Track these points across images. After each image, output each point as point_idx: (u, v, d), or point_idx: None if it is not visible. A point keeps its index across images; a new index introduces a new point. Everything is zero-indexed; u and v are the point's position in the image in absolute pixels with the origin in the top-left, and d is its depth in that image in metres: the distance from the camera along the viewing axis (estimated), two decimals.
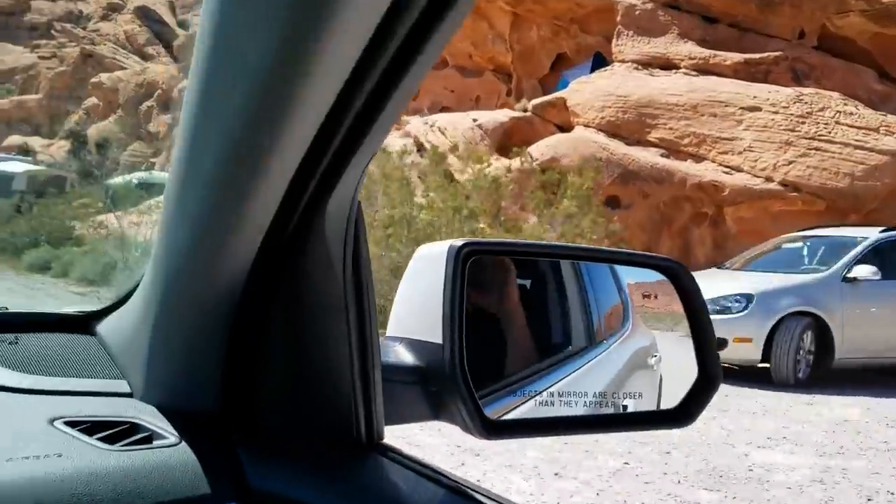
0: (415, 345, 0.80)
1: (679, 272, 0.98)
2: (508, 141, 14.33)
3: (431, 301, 0.78)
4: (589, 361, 0.99)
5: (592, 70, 14.96)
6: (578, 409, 0.93)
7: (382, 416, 0.74)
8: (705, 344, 0.95)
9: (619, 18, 14.57)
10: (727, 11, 13.69)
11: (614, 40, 14.48)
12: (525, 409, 0.86)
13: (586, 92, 13.57)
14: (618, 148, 12.04)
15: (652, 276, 1.01)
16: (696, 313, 0.96)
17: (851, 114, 11.06)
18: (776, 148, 11.10)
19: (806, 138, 11.01)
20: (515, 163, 12.22)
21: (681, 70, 13.29)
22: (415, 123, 16.07)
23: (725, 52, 13.22)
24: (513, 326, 0.94)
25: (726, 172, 11.32)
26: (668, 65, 13.55)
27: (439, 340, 0.76)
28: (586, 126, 13.17)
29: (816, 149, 10.86)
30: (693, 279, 0.98)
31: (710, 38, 13.82)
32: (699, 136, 11.87)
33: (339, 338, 0.70)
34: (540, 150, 12.42)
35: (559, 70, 17.26)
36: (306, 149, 0.58)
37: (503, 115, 14.62)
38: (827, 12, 12.19)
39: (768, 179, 10.99)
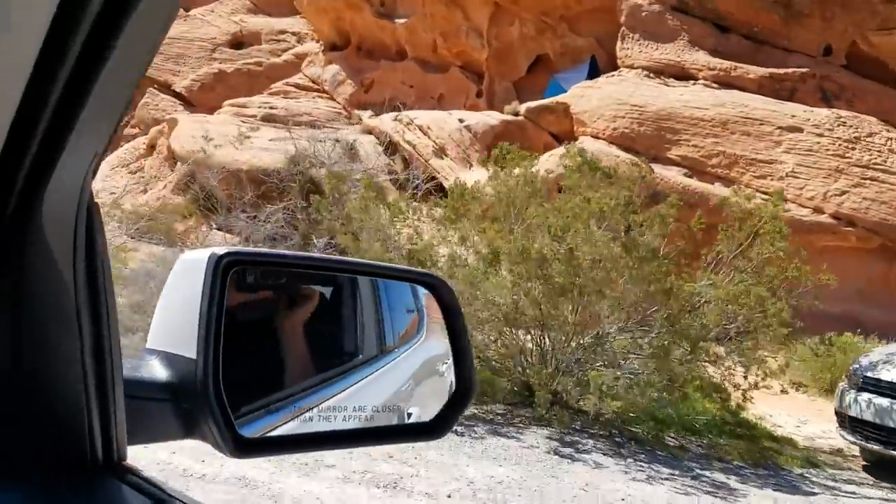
0: (170, 359, 0.76)
1: (439, 287, 1.03)
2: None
3: (189, 312, 0.75)
4: (372, 374, 1.02)
5: (590, 75, 13.35)
6: (351, 423, 0.94)
7: (124, 435, 0.69)
8: (462, 357, 0.99)
9: (623, 19, 13.02)
10: (745, 21, 12.39)
11: (619, 43, 12.91)
12: (294, 425, 0.86)
13: (593, 99, 11.91)
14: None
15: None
16: (456, 326, 1.01)
17: None
18: (824, 175, 9.79)
19: (858, 166, 9.76)
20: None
21: (699, 81, 11.85)
22: (385, 120, 13.93)
23: (744, 64, 11.91)
24: (287, 340, 0.92)
25: (766, 200, 9.89)
26: (683, 74, 12.08)
27: (194, 355, 0.73)
28: (595, 137, 11.50)
29: (872, 179, 9.62)
30: (453, 294, 1.03)
31: (723, 48, 12.49)
32: (730, 157, 10.42)
33: (69, 348, 0.65)
34: (552, 162, 10.62)
35: (537, 73, 15.57)
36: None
37: (493, 118, 12.77)
38: (864, 28, 11.07)
39: (817, 210, 9.64)
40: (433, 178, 11.88)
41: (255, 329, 0.87)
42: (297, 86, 18.83)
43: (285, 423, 0.84)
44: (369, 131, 14.91)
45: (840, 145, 9.91)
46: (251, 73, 26.51)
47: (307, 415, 0.87)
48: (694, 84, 11.74)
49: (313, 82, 18.91)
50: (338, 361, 0.99)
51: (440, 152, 12.11)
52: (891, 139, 9.89)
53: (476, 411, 4.41)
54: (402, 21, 17.10)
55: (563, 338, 4.31)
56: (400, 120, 13.51)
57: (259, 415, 0.81)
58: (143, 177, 16.41)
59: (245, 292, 0.81)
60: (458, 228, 5.70)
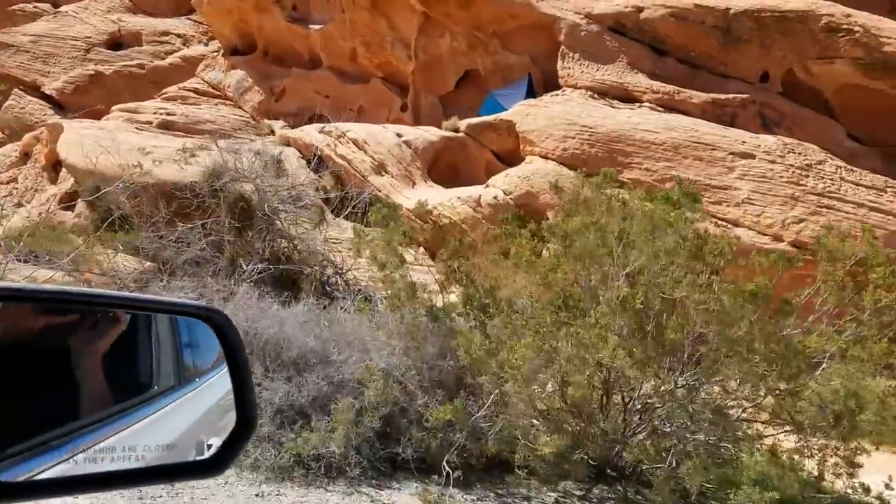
0: None
1: (221, 321, 1.03)
2: (438, 163, 11.68)
3: None
4: (164, 408, 1.01)
5: (528, 93, 12.84)
6: (121, 464, 0.92)
7: None
8: (244, 391, 0.99)
9: (562, 38, 12.60)
10: (683, 45, 12.29)
11: (560, 62, 12.46)
12: (65, 467, 0.85)
13: (540, 118, 11.35)
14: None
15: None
16: (237, 362, 1.00)
17: (852, 170, 9.99)
18: (780, 203, 9.67)
19: (814, 194, 9.71)
20: (486, 196, 9.59)
21: (644, 104, 11.58)
22: (310, 132, 12.77)
23: (685, 88, 11.78)
24: (68, 378, 0.89)
25: (723, 226, 9.66)
26: (627, 96, 11.78)
27: None
28: (544, 157, 10.93)
29: (828, 207, 9.58)
30: (235, 329, 1.05)
31: (661, 71, 12.33)
32: (685, 181, 10.10)
33: None
34: (511, 182, 9.94)
35: (466, 89, 14.92)
36: None
37: (432, 134, 11.94)
38: (804, 56, 11.20)
39: (776, 238, 9.48)
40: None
41: (32, 367, 0.83)
42: (195, 91, 17.20)
43: (55, 465, 0.83)
44: (287, 143, 13.64)
45: (793, 172, 9.88)
46: (132, 76, 24.30)
47: (78, 456, 0.86)
48: (640, 107, 11.46)
49: (213, 88, 17.35)
50: (124, 398, 0.97)
51: (379, 169, 11.13)
52: (840, 167, 9.97)
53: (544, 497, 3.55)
54: (317, 27, 15.98)
55: (677, 407, 3.54)
56: (329, 132, 12.39)
57: (25, 457, 0.80)
58: (16, 188, 14.26)
59: (16, 330, 0.80)
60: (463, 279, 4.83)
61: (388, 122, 15.06)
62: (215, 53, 18.76)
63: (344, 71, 16.14)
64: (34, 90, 25.30)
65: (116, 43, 26.69)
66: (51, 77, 25.53)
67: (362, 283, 9.42)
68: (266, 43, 17.00)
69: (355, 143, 11.72)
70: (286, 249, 10.00)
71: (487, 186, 10.06)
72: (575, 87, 11.94)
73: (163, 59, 25.34)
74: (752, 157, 10.18)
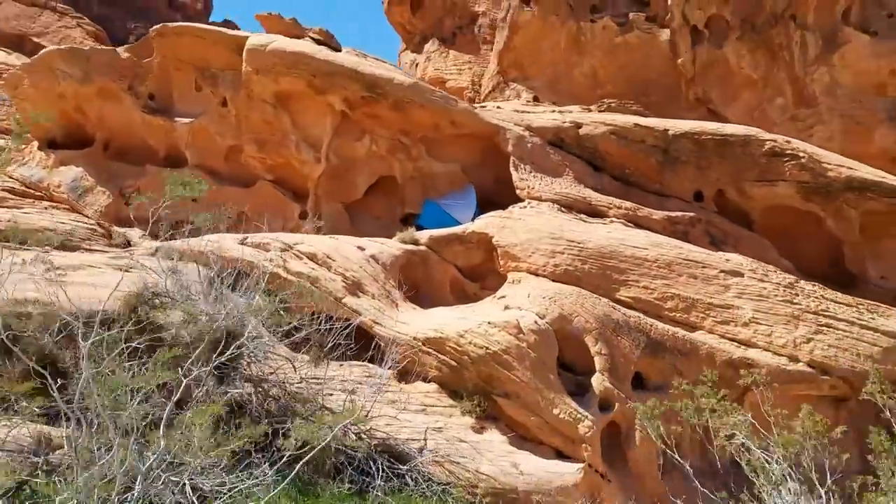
0: None
1: None
2: (406, 280, 10.03)
3: None
4: None
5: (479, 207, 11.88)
6: None
7: None
8: None
9: (510, 149, 11.93)
10: (620, 162, 12.34)
11: (514, 173, 11.69)
12: None
13: (519, 231, 10.39)
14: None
15: None
16: None
17: (825, 288, 10.43)
18: (784, 322, 9.68)
19: (810, 312, 9.88)
20: (526, 320, 8.15)
21: (612, 219, 11.23)
22: (229, 244, 10.35)
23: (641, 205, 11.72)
24: None
25: (740, 347, 9.41)
26: (592, 211, 11.34)
27: None
28: (534, 273, 9.92)
29: (827, 326, 9.79)
30: None
31: (600, 187, 12.22)
32: (686, 300, 9.78)
33: None
34: (538, 303, 8.66)
35: (375, 196, 13.48)
36: None
37: (392, 247, 10.26)
38: (741, 178, 11.75)
39: (792, 359, 9.40)
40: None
41: None
42: (11, 191, 13.39)
43: None
44: (180, 258, 10.93)
45: (784, 291, 10.05)
46: None
47: None
48: (611, 222, 11.07)
49: (30, 188, 13.69)
50: None
51: (355, 289, 9.15)
52: (816, 285, 10.38)
53: None
54: (185, 121, 13.51)
55: None
56: (261, 245, 10.12)
57: None
58: None
59: None
60: None
61: (286, 230, 13.02)
62: (23, 147, 15.03)
63: (216, 171, 13.76)
64: None
65: None
66: None
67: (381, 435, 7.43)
68: (108, 135, 13.98)
69: (313, 257, 9.63)
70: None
71: (509, 308, 8.72)
72: (539, 199, 11.23)
73: None
74: (741, 275, 10.20)
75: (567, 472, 7.50)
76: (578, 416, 7.84)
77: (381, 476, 6.89)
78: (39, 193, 13.48)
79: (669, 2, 18.00)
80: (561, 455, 7.82)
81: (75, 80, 13.35)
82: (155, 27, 13.24)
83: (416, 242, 10.57)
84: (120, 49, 13.80)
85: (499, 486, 7.28)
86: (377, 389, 7.58)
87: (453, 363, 8.23)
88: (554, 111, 13.75)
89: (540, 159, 11.90)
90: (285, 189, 13.54)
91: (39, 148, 14.43)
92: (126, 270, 9.73)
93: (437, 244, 10.54)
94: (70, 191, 13.24)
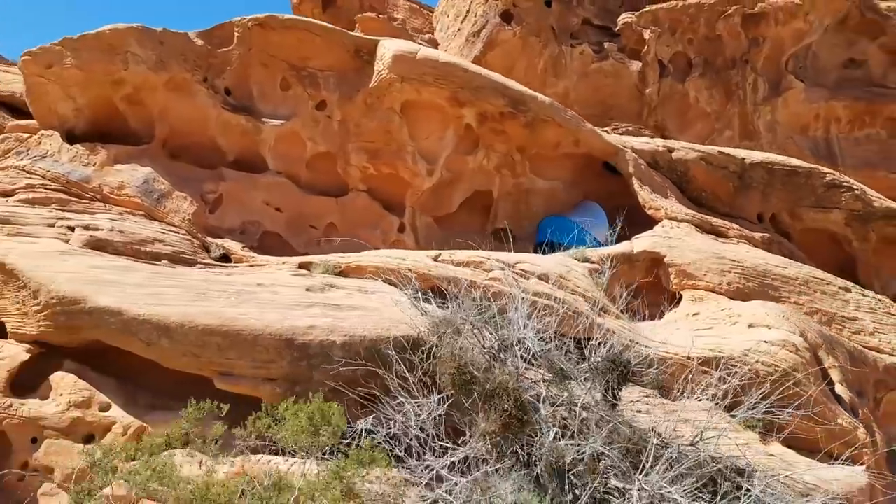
0: None
1: None
2: None
3: None
4: None
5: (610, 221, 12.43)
6: None
7: None
8: None
9: (631, 170, 12.72)
10: (702, 186, 13.71)
11: (640, 191, 12.47)
12: None
13: (686, 250, 11.26)
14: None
15: None
16: None
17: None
18: (894, 331, 11.68)
19: None
20: (794, 337, 8.98)
21: (733, 239, 12.52)
22: (423, 260, 9.85)
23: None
24: None
25: (882, 354, 11.19)
26: (713, 230, 12.53)
27: None
28: (712, 291, 10.88)
29: None
30: None
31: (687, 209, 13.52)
32: (826, 314, 11.38)
33: None
34: (775, 320, 9.51)
35: (463, 211, 13.41)
36: None
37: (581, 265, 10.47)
38: (798, 204, 13.70)
39: None
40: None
41: None
42: (66, 191, 11.04)
43: None
44: (342, 274, 10.16)
45: (878, 302, 12.04)
46: None
47: None
48: (736, 242, 12.33)
49: (69, 186, 11.40)
50: None
51: (599, 307, 9.29)
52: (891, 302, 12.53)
53: None
54: (274, 122, 12.30)
55: None
56: (478, 263, 9.81)
57: None
58: None
59: None
60: None
61: (387, 245, 12.58)
62: (25, 136, 12.48)
63: (298, 179, 12.73)
64: None
65: None
66: None
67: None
68: (167, 132, 12.20)
69: (544, 277, 9.57)
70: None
71: (754, 326, 9.46)
72: (676, 219, 12.15)
73: None
74: (850, 290, 12.08)
75: (856, 476, 8.55)
76: (854, 423, 8.95)
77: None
78: (95, 195, 11.36)
79: (647, 36, 19.91)
80: (833, 460, 8.84)
81: (147, 65, 11.47)
82: (255, 16, 11.85)
83: (587, 260, 10.92)
84: (192, 33, 12.07)
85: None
86: (711, 413, 7.96)
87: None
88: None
89: (649, 180, 12.85)
90: (377, 200, 12.93)
91: (63, 138, 12.10)
92: (321, 291, 9.02)
93: (609, 262, 10.98)
94: (143, 194, 11.35)
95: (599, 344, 7.39)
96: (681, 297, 11.06)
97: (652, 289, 11.31)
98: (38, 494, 7.33)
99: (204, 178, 12.04)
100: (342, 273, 10.08)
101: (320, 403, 6.48)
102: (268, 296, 8.02)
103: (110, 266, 8.24)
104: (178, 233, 11.04)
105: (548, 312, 8.47)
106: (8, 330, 7.96)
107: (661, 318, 10.74)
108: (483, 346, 7.47)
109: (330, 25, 12.19)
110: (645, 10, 20.19)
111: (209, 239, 11.40)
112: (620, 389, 7.04)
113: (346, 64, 12.09)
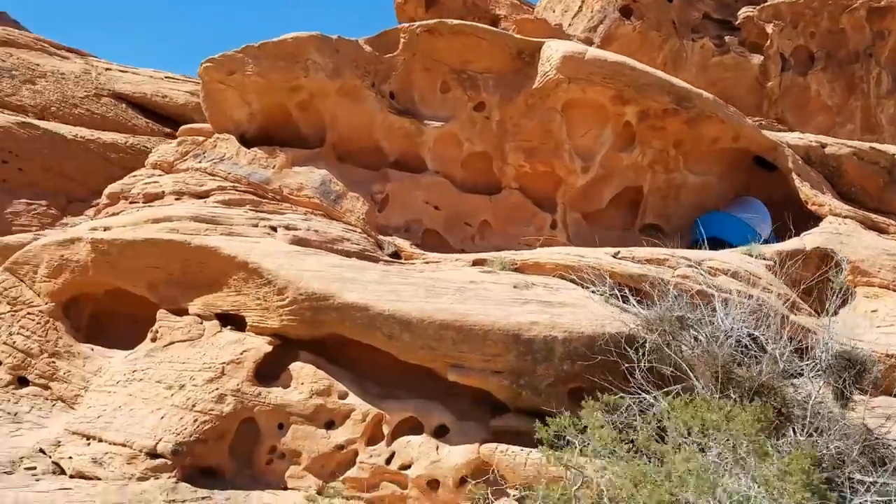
0: None
1: None
2: None
3: None
4: None
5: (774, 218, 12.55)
6: None
7: None
8: None
9: (790, 165, 12.79)
10: (852, 181, 13.65)
11: (801, 188, 12.53)
12: None
13: (858, 247, 11.28)
14: None
15: None
16: None
17: None
18: None
19: None
20: None
21: (892, 235, 12.49)
22: (603, 258, 10.15)
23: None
24: None
25: None
26: (875, 227, 12.52)
27: None
28: (885, 288, 10.90)
29: None
30: None
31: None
32: None
33: None
34: None
35: (611, 207, 13.66)
36: None
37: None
38: None
39: None
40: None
41: None
42: (254, 192, 11.76)
43: None
44: (518, 270, 10.53)
45: None
46: None
47: None
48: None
49: (254, 187, 12.09)
50: None
51: (790, 304, 9.49)
52: None
53: None
54: (435, 124, 12.77)
55: None
56: (662, 261, 10.09)
57: None
58: None
59: None
60: None
61: (538, 244, 12.91)
62: (201, 140, 13.25)
63: (453, 178, 13.19)
64: None
65: None
66: None
67: None
68: (337, 136, 12.80)
69: (735, 275, 9.80)
70: None
71: None
72: (839, 215, 12.19)
73: None
74: None
75: None
76: None
77: None
78: (275, 196, 12.03)
79: (769, 30, 19.74)
80: None
81: (325, 73, 12.07)
82: (424, 22, 12.34)
83: (763, 257, 11.07)
84: (361, 40, 12.64)
85: None
86: None
87: None
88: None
89: (807, 175, 12.87)
90: (529, 198, 13.28)
91: (239, 144, 12.83)
92: (525, 288, 9.37)
93: (781, 258, 11.11)
94: (321, 195, 11.97)
95: (824, 342, 7.60)
96: (850, 295, 11.10)
97: (817, 286, 11.39)
98: (285, 477, 7.95)
99: (371, 179, 12.61)
100: (518, 270, 10.47)
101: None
102: (483, 292, 8.47)
103: (347, 265, 8.84)
104: (356, 231, 11.63)
105: (743, 309, 8.69)
106: (248, 323, 8.61)
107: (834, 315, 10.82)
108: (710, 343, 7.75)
109: (495, 29, 12.62)
110: (767, 3, 20.05)
111: (381, 237, 11.97)
112: (853, 388, 7.24)
113: (506, 66, 12.48)
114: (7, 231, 16.39)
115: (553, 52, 11.87)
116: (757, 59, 20.12)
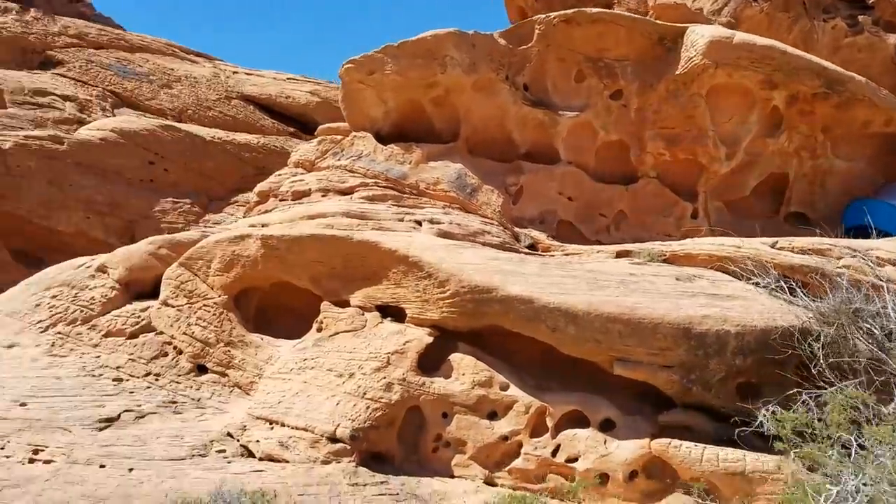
0: None
1: None
2: None
3: None
4: None
5: None
6: None
7: None
8: None
9: None
10: None
11: None
12: None
13: None
14: None
15: None
16: None
17: None
18: None
19: None
20: None
21: None
22: (757, 247, 9.83)
23: None
24: None
25: None
26: None
27: None
28: None
29: None
30: None
31: None
32: None
33: None
34: None
35: (755, 194, 13.19)
36: None
37: None
38: None
39: None
40: None
41: None
42: (393, 188, 12.11)
43: None
44: (666, 260, 10.33)
45: None
46: (44, 153, 16.79)
47: None
48: None
49: (392, 181, 12.40)
50: None
51: None
52: None
53: None
54: (569, 115, 12.71)
55: None
56: (824, 251, 9.71)
57: None
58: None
59: None
60: None
61: (677, 233, 12.64)
62: (339, 139, 13.67)
63: (587, 168, 13.07)
64: None
65: None
66: None
67: None
68: (470, 130, 12.94)
69: None
70: None
71: None
72: None
73: (69, 127, 18.01)
74: None
75: None
76: None
77: None
78: (412, 191, 12.30)
79: None
80: None
81: (462, 68, 12.23)
82: (562, 13, 12.31)
83: None
84: (496, 34, 12.73)
85: None
86: None
87: None
88: None
89: None
90: (667, 186, 13.02)
91: (356, 136, 13.19)
92: (688, 280, 9.16)
93: None
94: (457, 189, 12.16)
95: None
96: None
97: None
98: (452, 465, 8.17)
99: (504, 172, 12.70)
100: (667, 261, 10.31)
101: None
102: (647, 285, 8.40)
103: (504, 257, 8.99)
104: (494, 224, 11.76)
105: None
106: (407, 315, 8.88)
107: None
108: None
109: (635, 16, 12.43)
110: None
111: (517, 229, 12.07)
112: None
113: (644, 52, 12.28)
114: (156, 228, 17.54)
115: (698, 36, 11.59)
116: (892, 38, 18.93)
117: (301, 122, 23.40)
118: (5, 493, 6.12)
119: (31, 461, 6.98)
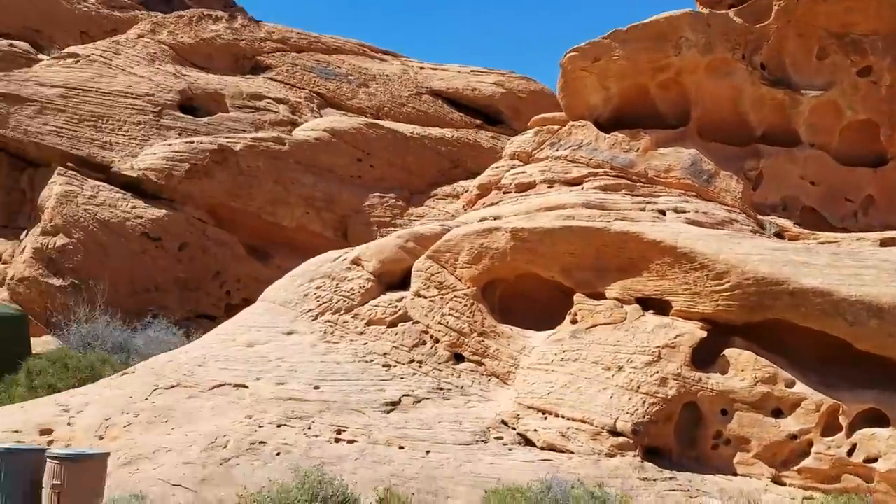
0: None
1: None
2: None
3: None
4: None
5: None
6: None
7: None
8: None
9: None
10: None
11: None
12: None
13: None
14: None
15: None
16: None
17: None
18: None
19: None
20: None
21: None
22: None
23: None
24: None
25: None
26: None
27: None
28: None
29: None
30: None
31: None
32: None
33: None
34: None
35: None
36: None
37: None
38: None
39: None
40: None
41: None
42: (623, 177, 11.88)
43: None
44: None
45: None
46: (270, 154, 17.77)
47: None
48: None
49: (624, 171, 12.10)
50: None
51: None
52: None
53: None
54: (813, 94, 11.85)
55: None
56: None
57: None
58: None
59: None
60: None
61: None
62: (556, 128, 13.53)
63: (830, 149, 12.15)
64: (95, 168, 17.60)
65: (188, 105, 19.72)
66: (116, 149, 17.95)
67: None
68: (700, 112, 12.38)
69: None
70: None
71: None
72: None
73: (286, 127, 18.99)
74: None
75: None
76: None
77: None
78: (639, 179, 11.96)
79: None
80: None
81: (697, 49, 11.75)
82: None
83: None
84: (731, 12, 12.13)
85: None
86: None
87: None
88: None
89: None
90: None
91: (572, 126, 12.94)
92: None
93: None
94: (692, 176, 11.71)
95: None
96: None
97: None
98: (734, 463, 7.83)
99: (740, 156, 12.11)
100: None
101: None
102: None
103: (791, 248, 8.55)
104: (737, 212, 11.21)
105: None
106: (673, 308, 8.62)
107: None
108: None
109: None
110: None
111: (760, 217, 11.45)
112: None
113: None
114: (366, 222, 18.37)
115: None
116: None
117: (485, 115, 23.61)
118: (326, 469, 6.52)
119: (337, 440, 7.43)
